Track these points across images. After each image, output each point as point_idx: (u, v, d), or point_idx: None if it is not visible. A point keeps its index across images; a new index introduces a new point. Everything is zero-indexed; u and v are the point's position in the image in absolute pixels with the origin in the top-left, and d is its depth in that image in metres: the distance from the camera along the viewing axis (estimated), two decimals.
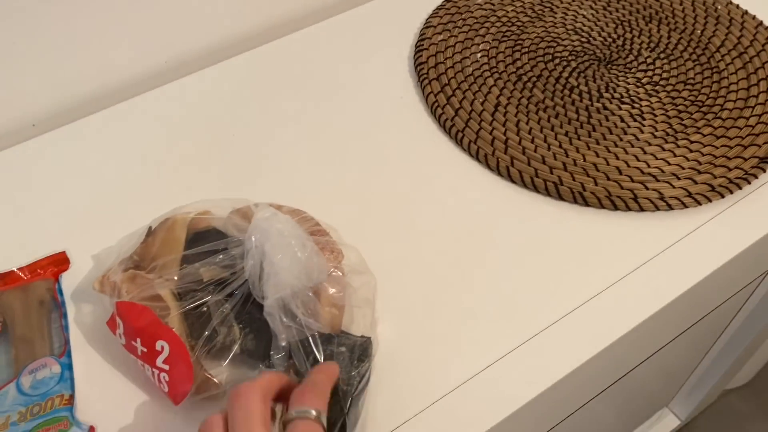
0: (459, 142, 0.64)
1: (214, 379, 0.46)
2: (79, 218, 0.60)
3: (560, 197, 0.60)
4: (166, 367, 0.45)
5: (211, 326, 0.45)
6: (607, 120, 0.65)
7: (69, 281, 0.55)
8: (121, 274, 0.48)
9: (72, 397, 0.47)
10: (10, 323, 0.51)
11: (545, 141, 0.63)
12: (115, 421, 0.48)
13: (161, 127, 0.67)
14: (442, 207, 0.60)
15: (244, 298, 0.47)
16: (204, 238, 0.49)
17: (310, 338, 0.46)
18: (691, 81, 0.69)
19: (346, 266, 0.51)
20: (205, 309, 0.46)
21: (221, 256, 0.47)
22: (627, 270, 0.56)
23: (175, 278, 0.47)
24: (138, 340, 0.46)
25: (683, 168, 0.61)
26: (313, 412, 0.39)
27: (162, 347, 0.45)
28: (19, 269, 0.55)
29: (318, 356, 0.46)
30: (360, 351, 0.48)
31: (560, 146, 0.63)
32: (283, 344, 0.46)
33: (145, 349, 0.46)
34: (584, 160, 0.62)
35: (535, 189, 0.61)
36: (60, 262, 0.55)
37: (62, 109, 0.69)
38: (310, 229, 0.51)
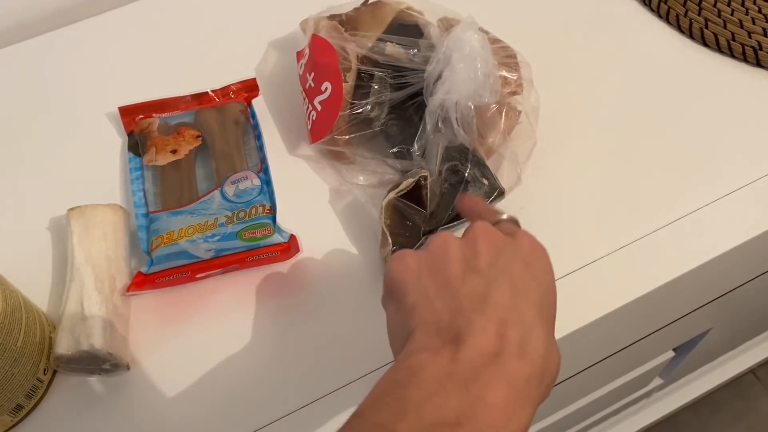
0: (647, 3, 0.61)
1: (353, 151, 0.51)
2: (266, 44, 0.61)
3: (758, 64, 0.57)
4: (319, 108, 0.50)
5: (369, 96, 0.49)
6: None
7: (259, 108, 0.56)
8: (327, 20, 0.51)
9: (273, 207, 0.49)
10: (209, 138, 0.53)
11: (742, 5, 0.60)
12: (308, 233, 0.49)
13: None
14: (629, 68, 0.58)
15: (409, 93, 0.49)
16: (405, 30, 0.52)
17: (468, 150, 0.48)
18: None
19: (520, 106, 0.51)
20: (374, 82, 0.50)
21: (412, 49, 0.50)
22: None
23: (368, 45, 0.50)
24: (312, 74, 0.50)
25: None
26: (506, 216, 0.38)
27: (326, 88, 0.49)
28: (212, 91, 0.56)
29: (462, 169, 0.47)
30: (496, 195, 0.48)
31: (759, 11, 0.59)
32: (428, 144, 0.48)
33: (312, 84, 0.50)
34: None
35: (732, 54, 0.58)
36: (251, 88, 0.57)
37: None
38: (501, 60, 0.51)
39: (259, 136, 0.54)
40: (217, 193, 0.50)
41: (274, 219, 0.49)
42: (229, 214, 0.49)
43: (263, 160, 0.53)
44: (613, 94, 0.56)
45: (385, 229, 0.47)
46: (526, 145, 0.51)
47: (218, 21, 0.64)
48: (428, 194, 0.47)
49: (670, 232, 0.49)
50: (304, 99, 0.53)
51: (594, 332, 0.48)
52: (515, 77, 0.51)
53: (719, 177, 0.52)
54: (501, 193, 0.49)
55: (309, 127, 0.52)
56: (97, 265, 0.46)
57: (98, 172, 0.54)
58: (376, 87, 0.50)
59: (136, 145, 0.54)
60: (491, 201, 0.48)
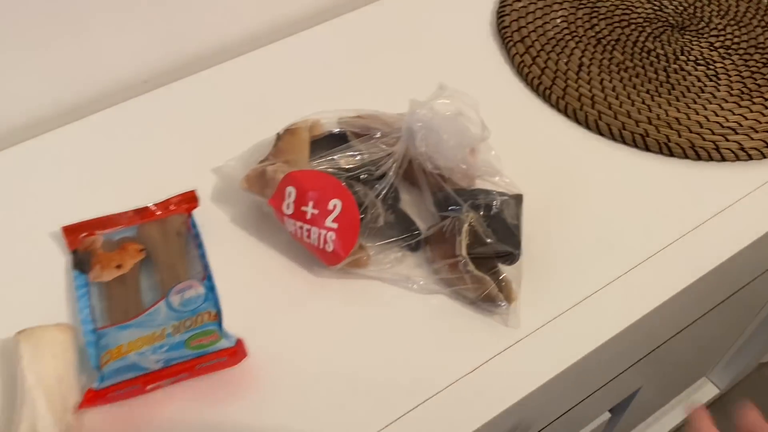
0: (547, 99, 0.69)
1: (368, 252, 0.55)
2: (205, 158, 0.64)
3: (647, 148, 0.65)
4: (335, 226, 0.53)
5: (367, 205, 0.55)
6: (685, 80, 0.70)
7: (199, 217, 0.59)
8: (258, 170, 0.57)
9: (218, 313, 0.52)
10: (153, 251, 0.56)
11: (629, 98, 0.68)
12: (258, 333, 0.52)
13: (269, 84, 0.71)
14: (535, 155, 0.64)
15: (390, 182, 0.56)
16: (328, 143, 0.58)
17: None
18: (762, 45, 0.73)
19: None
20: (360, 188, 0.55)
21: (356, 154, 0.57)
22: (709, 215, 0.60)
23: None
24: (310, 203, 0.53)
25: (760, 122, 0.65)
26: None
27: (335, 206, 0.53)
28: (154, 204, 0.59)
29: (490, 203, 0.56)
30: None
31: (643, 102, 0.67)
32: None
33: (316, 211, 0.53)
34: (667, 115, 0.66)
35: (623, 141, 0.65)
36: (190, 199, 0.60)
37: (172, 68, 0.74)
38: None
39: (200, 245, 0.57)
40: (162, 304, 0.52)
41: (220, 325, 0.51)
42: (176, 323, 0.51)
43: (206, 267, 0.55)
44: (520, 176, 0.62)
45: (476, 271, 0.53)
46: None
47: (156, 141, 0.67)
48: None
49: (590, 304, 0.55)
50: (306, 234, 0.54)
51: (533, 402, 0.52)
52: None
53: (627, 249, 0.58)
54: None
55: (330, 248, 0.54)
56: (48, 386, 0.47)
57: (43, 291, 0.56)
58: (362, 191, 0.56)
59: (81, 262, 0.56)
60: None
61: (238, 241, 0.59)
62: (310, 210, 0.55)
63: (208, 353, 0.50)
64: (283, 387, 0.51)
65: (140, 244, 0.56)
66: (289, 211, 0.56)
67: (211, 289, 0.54)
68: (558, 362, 0.52)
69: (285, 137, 0.59)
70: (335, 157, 0.58)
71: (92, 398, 0.48)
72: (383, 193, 0.57)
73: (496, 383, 0.50)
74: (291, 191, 0.56)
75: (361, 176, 0.57)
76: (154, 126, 0.68)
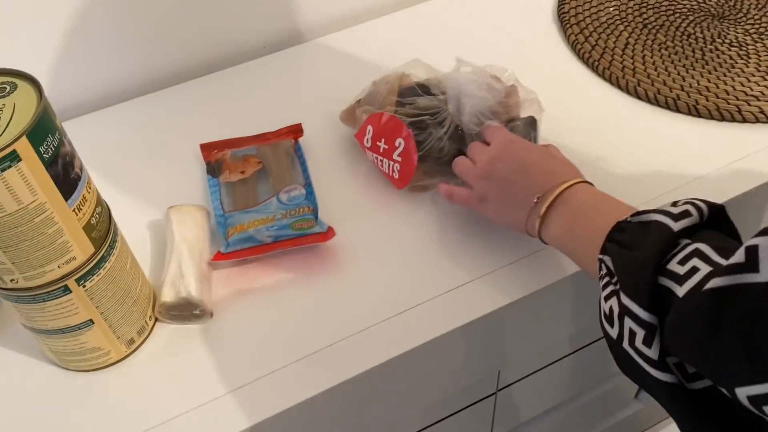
0: (595, 69, 0.81)
1: (431, 178, 0.69)
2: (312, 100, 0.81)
3: (677, 110, 0.76)
4: (399, 159, 0.67)
5: (429, 138, 0.67)
6: (718, 58, 0.81)
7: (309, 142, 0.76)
8: (356, 106, 0.73)
9: (315, 208, 0.67)
10: (267, 165, 0.72)
11: (666, 70, 0.79)
12: (344, 226, 0.67)
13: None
14: (581, 115, 0.77)
15: (450, 126, 0.68)
16: (413, 91, 0.71)
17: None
18: None
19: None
20: (424, 127, 0.68)
21: (433, 97, 0.69)
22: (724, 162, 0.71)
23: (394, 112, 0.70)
24: (383, 139, 0.68)
25: None
26: None
27: (399, 143, 0.66)
28: (268, 132, 0.76)
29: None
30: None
31: (678, 74, 0.79)
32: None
33: (386, 146, 0.67)
34: (698, 84, 0.77)
35: (657, 104, 0.77)
36: (297, 130, 0.76)
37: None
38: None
39: (303, 163, 0.73)
40: (274, 199, 0.68)
41: (316, 216, 0.66)
42: (284, 212, 0.66)
43: (307, 178, 0.71)
44: (568, 130, 0.75)
45: None
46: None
47: (289, 89, 0.84)
48: None
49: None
50: (380, 163, 0.69)
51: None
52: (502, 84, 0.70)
53: (655, 185, 0.69)
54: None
55: (396, 176, 0.68)
56: (189, 241, 0.63)
57: (187, 189, 0.73)
58: (425, 127, 0.68)
59: (213, 170, 0.73)
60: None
61: (336, 162, 0.74)
62: (382, 145, 0.69)
63: (306, 235, 0.65)
64: (358, 262, 0.65)
65: (259, 159, 0.73)
66: (368, 145, 0.71)
67: (310, 192, 0.69)
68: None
69: (378, 84, 0.74)
70: (411, 104, 0.72)
71: (220, 257, 0.64)
72: (446, 133, 0.69)
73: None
74: (370, 129, 0.70)
75: (427, 121, 0.69)
76: (277, 82, 0.85)
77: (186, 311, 0.60)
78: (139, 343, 0.60)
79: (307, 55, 0.89)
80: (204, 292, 0.61)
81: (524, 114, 0.69)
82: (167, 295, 0.59)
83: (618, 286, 0.46)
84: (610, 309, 0.46)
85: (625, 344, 0.45)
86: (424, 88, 0.70)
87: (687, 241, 0.44)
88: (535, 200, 0.56)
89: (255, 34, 0.91)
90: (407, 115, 0.68)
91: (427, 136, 0.69)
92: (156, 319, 0.62)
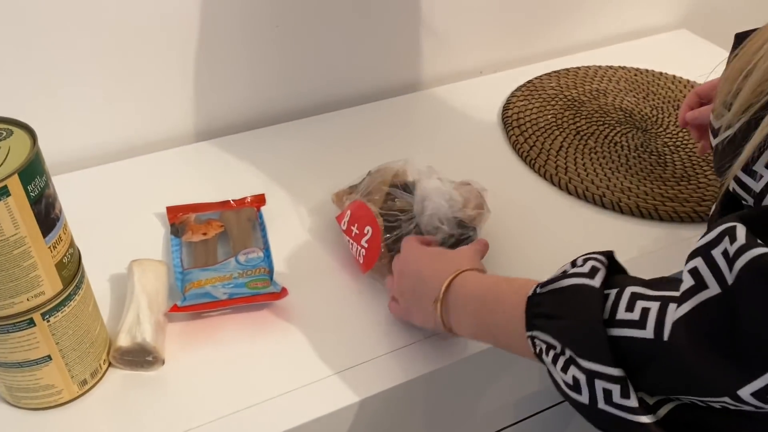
0: (532, 167, 0.91)
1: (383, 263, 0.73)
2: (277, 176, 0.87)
3: (603, 206, 0.85)
4: (366, 245, 0.72)
5: (396, 232, 0.73)
6: (640, 164, 0.91)
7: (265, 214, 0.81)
8: (348, 192, 0.79)
9: (271, 270, 0.72)
10: (229, 229, 0.78)
11: (594, 171, 0.89)
12: (300, 288, 0.72)
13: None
14: (519, 206, 0.85)
15: (415, 223, 0.74)
16: (397, 187, 0.77)
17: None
18: None
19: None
20: (399, 225, 0.73)
21: (407, 197, 0.75)
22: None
23: (381, 203, 0.75)
24: (356, 225, 0.73)
25: (692, 196, 0.86)
26: None
27: (368, 230, 0.72)
28: (233, 200, 0.82)
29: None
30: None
31: (605, 176, 0.89)
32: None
33: (357, 232, 0.73)
34: (621, 185, 0.87)
35: (585, 199, 0.86)
36: (260, 200, 0.82)
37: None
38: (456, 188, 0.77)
39: (264, 230, 0.79)
40: (233, 259, 0.73)
41: (271, 276, 0.71)
42: (241, 271, 0.71)
43: (266, 243, 0.76)
44: (506, 217, 0.83)
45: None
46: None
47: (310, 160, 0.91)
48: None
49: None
50: (351, 244, 0.74)
51: None
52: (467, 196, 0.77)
53: None
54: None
55: (361, 260, 0.73)
56: (149, 293, 0.67)
57: (149, 247, 0.77)
58: (401, 227, 0.73)
59: (177, 230, 0.78)
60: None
61: (308, 235, 0.80)
62: (354, 230, 0.74)
63: (260, 294, 0.70)
64: (306, 319, 0.70)
65: (221, 222, 0.78)
66: (344, 227, 0.76)
67: (268, 255, 0.74)
68: None
69: (373, 175, 0.79)
70: (393, 200, 0.76)
71: (176, 309, 0.68)
72: (410, 231, 0.73)
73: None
74: (349, 213, 0.76)
75: (400, 218, 0.74)
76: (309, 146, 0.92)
77: (139, 357, 0.63)
78: (92, 385, 0.63)
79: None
80: (158, 339, 0.64)
81: (476, 221, 0.76)
82: (123, 340, 0.63)
83: (570, 354, 0.46)
84: (574, 378, 0.46)
85: (602, 405, 0.45)
86: (407, 189, 0.76)
87: (615, 290, 0.46)
88: (433, 304, 0.60)
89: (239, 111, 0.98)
90: (388, 209, 0.74)
91: (397, 231, 0.73)
92: (110, 364, 0.64)
